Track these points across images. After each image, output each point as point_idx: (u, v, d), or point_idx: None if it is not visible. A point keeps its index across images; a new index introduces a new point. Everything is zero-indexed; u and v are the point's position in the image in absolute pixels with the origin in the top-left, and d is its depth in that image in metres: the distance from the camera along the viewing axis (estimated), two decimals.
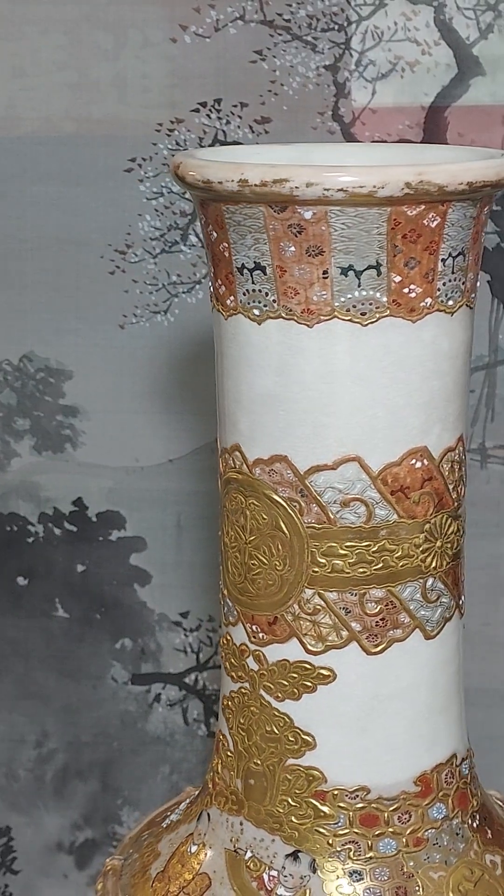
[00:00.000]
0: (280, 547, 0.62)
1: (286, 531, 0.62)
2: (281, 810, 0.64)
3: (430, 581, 0.62)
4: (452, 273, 0.59)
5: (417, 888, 0.63)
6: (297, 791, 0.64)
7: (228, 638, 0.65)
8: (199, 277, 0.97)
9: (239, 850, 0.65)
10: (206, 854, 0.67)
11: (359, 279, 0.58)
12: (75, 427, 1.01)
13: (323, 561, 0.62)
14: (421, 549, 0.62)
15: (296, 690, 0.63)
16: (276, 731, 0.64)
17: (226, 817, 0.66)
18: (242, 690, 0.65)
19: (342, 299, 0.59)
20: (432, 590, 0.62)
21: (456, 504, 0.63)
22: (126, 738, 1.06)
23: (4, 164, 0.96)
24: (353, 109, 0.94)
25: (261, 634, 0.63)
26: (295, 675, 0.63)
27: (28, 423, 1.01)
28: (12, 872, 1.09)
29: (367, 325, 0.59)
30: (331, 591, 0.62)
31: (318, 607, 0.62)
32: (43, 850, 1.08)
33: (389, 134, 0.94)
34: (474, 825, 0.65)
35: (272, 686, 0.63)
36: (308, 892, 0.64)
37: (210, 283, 0.62)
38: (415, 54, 0.93)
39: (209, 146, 0.95)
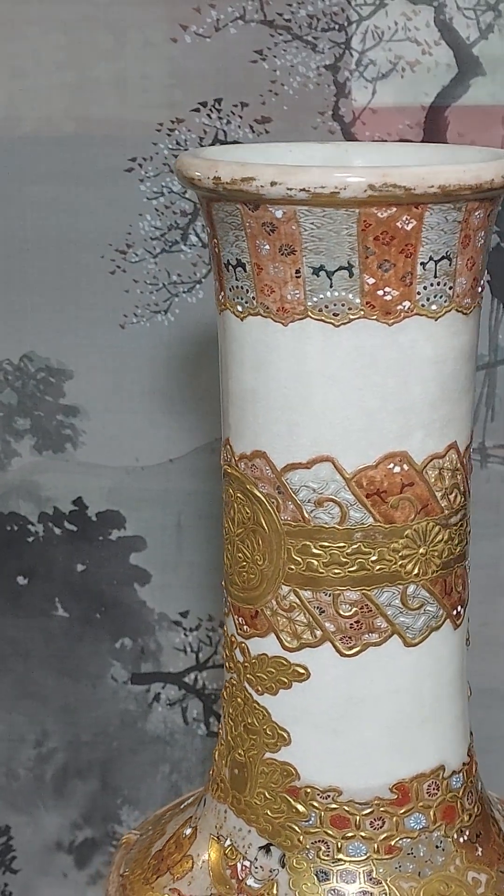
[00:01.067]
0: (260, 542, 0.62)
1: (265, 527, 0.62)
2: (258, 802, 0.65)
3: (411, 588, 0.62)
4: (435, 277, 0.58)
5: (388, 892, 0.63)
6: (273, 785, 0.64)
7: (225, 628, 0.66)
8: (200, 277, 0.97)
9: (220, 837, 0.66)
10: (195, 838, 0.68)
11: (330, 279, 0.58)
12: (76, 427, 1.01)
13: (298, 559, 0.62)
14: (400, 554, 0.61)
15: (273, 685, 0.64)
16: (256, 724, 0.64)
17: (214, 804, 0.67)
18: (232, 681, 0.65)
19: (314, 299, 0.59)
20: (414, 597, 0.62)
21: (448, 512, 0.62)
22: (126, 737, 1.06)
23: (5, 163, 0.96)
24: (354, 109, 0.94)
25: (245, 627, 0.64)
26: (272, 671, 0.63)
27: (28, 422, 1.01)
28: (12, 871, 1.09)
29: (339, 325, 0.59)
30: (305, 590, 0.62)
31: (294, 604, 0.62)
32: (42, 850, 1.08)
33: (389, 134, 0.94)
34: (461, 840, 0.64)
35: (253, 679, 0.64)
36: (276, 885, 0.64)
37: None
38: (415, 54, 0.93)
39: (210, 146, 0.95)
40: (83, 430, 1.01)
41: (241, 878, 0.65)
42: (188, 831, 0.68)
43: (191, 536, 1.02)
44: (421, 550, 0.61)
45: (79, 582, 1.03)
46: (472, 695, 0.66)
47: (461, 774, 0.64)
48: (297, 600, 0.62)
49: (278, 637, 0.63)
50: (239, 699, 0.65)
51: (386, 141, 0.93)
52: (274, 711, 0.64)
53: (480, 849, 0.65)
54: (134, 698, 1.05)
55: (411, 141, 0.93)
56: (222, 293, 0.62)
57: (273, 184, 0.56)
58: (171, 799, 1.06)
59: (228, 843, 0.66)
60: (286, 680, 0.63)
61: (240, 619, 0.64)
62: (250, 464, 0.62)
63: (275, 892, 0.64)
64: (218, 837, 0.66)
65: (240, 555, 0.63)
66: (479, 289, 0.61)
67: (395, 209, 0.57)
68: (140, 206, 0.96)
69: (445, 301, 0.59)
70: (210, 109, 0.95)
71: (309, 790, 0.63)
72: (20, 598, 1.04)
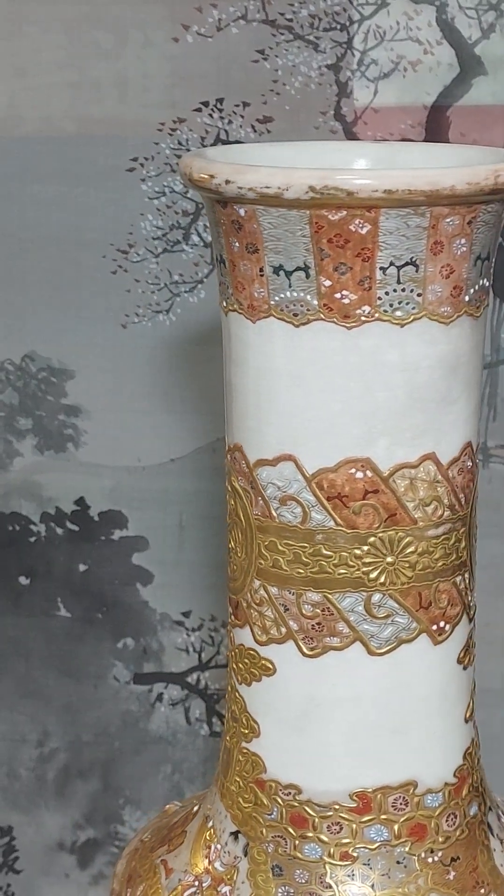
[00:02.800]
0: (239, 534, 0.63)
1: (242, 519, 0.63)
2: (234, 789, 0.65)
3: (376, 596, 0.61)
4: (399, 283, 0.58)
5: None
6: (245, 774, 0.65)
7: None
8: (201, 277, 0.97)
9: (208, 818, 0.67)
10: (195, 815, 0.69)
11: (289, 280, 0.59)
12: (77, 426, 1.01)
13: (266, 555, 0.62)
14: (363, 560, 0.61)
15: (248, 677, 0.64)
16: (237, 713, 0.65)
17: (212, 786, 0.68)
18: (230, 667, 0.66)
19: (276, 298, 0.59)
20: (380, 605, 0.61)
21: (423, 524, 0.61)
22: (128, 737, 1.06)
23: (6, 163, 0.96)
24: (356, 109, 0.94)
25: (232, 616, 0.65)
26: (247, 662, 0.64)
27: (30, 422, 1.01)
28: (14, 872, 1.09)
29: (299, 326, 0.59)
30: (272, 586, 0.62)
31: (264, 599, 0.63)
32: (44, 850, 1.08)
33: (392, 133, 0.94)
34: (429, 861, 0.63)
35: (234, 668, 0.65)
36: (236, 873, 0.65)
37: None
38: (417, 54, 0.93)
39: (211, 146, 0.95)
40: (85, 430, 1.01)
41: (211, 859, 0.67)
42: (196, 808, 0.69)
43: (193, 536, 1.02)
44: (388, 559, 0.61)
45: (80, 582, 1.03)
46: (472, 714, 0.65)
47: (440, 795, 0.63)
48: (266, 595, 0.62)
49: (251, 629, 0.64)
50: (229, 686, 0.66)
51: (387, 140, 0.93)
52: (248, 702, 0.64)
53: (454, 873, 0.64)
54: (136, 698, 1.05)
55: (412, 140, 0.93)
56: (217, 287, 0.63)
57: (227, 182, 0.57)
58: (172, 799, 1.07)
59: (211, 824, 0.67)
60: (256, 672, 0.64)
61: (230, 608, 0.65)
62: (231, 456, 0.63)
63: (234, 878, 0.65)
64: (206, 818, 0.68)
65: (229, 545, 0.64)
66: (467, 297, 0.60)
67: (345, 212, 0.56)
68: (141, 205, 0.96)
69: (413, 308, 0.58)
70: (212, 109, 0.95)
71: (273, 784, 0.64)
72: (22, 598, 1.04)
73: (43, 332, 0.99)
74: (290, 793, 0.64)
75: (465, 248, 0.58)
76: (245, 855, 0.65)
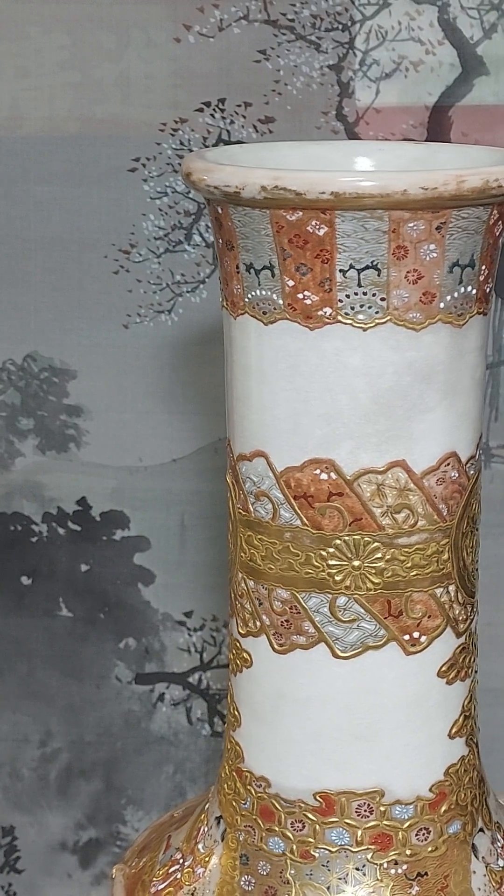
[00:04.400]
0: (230, 526, 0.64)
1: (231, 512, 0.64)
2: (223, 775, 0.67)
3: (341, 599, 0.61)
4: (360, 286, 0.57)
5: None
6: (230, 761, 0.66)
7: None
8: (203, 277, 0.97)
9: (209, 800, 0.69)
10: (207, 795, 0.70)
11: (258, 278, 0.59)
12: (79, 426, 1.01)
13: (245, 548, 0.63)
14: (328, 562, 0.61)
15: (233, 666, 0.65)
16: (229, 701, 0.66)
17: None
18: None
19: (249, 295, 0.60)
20: (345, 609, 0.61)
21: (392, 531, 0.60)
22: (130, 737, 1.06)
23: (8, 163, 0.96)
24: (357, 109, 0.94)
25: (229, 607, 0.66)
26: (234, 651, 0.65)
27: (32, 422, 1.01)
28: (16, 872, 1.09)
29: (267, 324, 0.59)
30: (250, 580, 0.63)
31: (244, 592, 0.63)
32: (47, 850, 1.08)
33: (393, 133, 0.94)
34: (392, 872, 0.63)
35: (228, 657, 0.66)
36: (210, 856, 0.66)
37: None
38: (419, 54, 0.93)
39: (213, 146, 0.95)
40: (87, 430, 1.01)
41: (197, 840, 0.68)
42: (213, 788, 0.70)
43: (195, 536, 1.02)
44: (355, 563, 0.60)
45: (82, 582, 1.03)
46: (462, 731, 0.65)
47: (411, 808, 0.63)
48: (246, 588, 0.63)
49: (236, 620, 0.64)
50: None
51: (388, 140, 0.93)
52: (234, 691, 0.65)
53: (417, 888, 0.63)
54: (138, 698, 1.05)
55: (414, 140, 0.93)
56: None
57: (201, 179, 0.58)
58: (174, 799, 1.07)
59: (207, 806, 0.68)
60: (239, 663, 0.65)
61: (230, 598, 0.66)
62: (224, 449, 0.64)
63: (209, 861, 0.66)
64: (207, 800, 0.69)
65: (228, 537, 0.65)
66: (442, 304, 0.59)
67: (301, 213, 0.56)
68: (143, 205, 0.96)
69: (377, 312, 0.58)
70: (213, 109, 0.95)
71: (248, 774, 0.65)
72: (24, 599, 1.04)
73: (45, 333, 0.99)
74: (261, 785, 0.64)
75: (435, 254, 0.57)
76: (222, 840, 0.66)
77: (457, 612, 0.63)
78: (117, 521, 1.02)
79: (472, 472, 0.62)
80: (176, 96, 0.95)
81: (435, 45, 0.93)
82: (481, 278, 0.60)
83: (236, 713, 0.65)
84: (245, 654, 0.64)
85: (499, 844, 0.67)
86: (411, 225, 0.56)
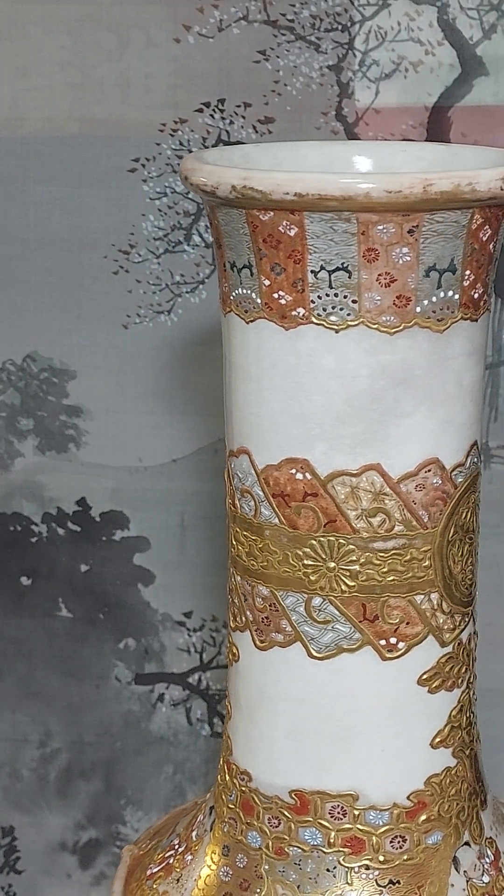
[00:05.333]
0: (227, 520, 0.64)
1: (226, 507, 0.64)
2: (219, 766, 0.67)
3: (317, 600, 0.61)
4: (331, 288, 0.57)
5: (260, 891, 0.63)
6: (224, 753, 0.66)
7: None
8: (203, 277, 0.97)
9: (209, 791, 0.69)
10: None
11: (240, 276, 0.59)
12: (79, 427, 1.01)
13: (234, 544, 0.63)
14: (304, 562, 0.61)
15: (228, 659, 0.65)
16: (227, 694, 0.67)
17: None
18: None
19: (234, 293, 0.60)
20: (320, 610, 0.61)
21: (367, 535, 0.60)
22: (129, 738, 1.06)
23: (8, 164, 0.96)
24: (357, 109, 0.94)
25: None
26: (227, 645, 0.65)
27: (31, 422, 1.01)
28: (16, 872, 1.09)
29: (248, 322, 0.60)
30: (237, 575, 0.63)
31: (234, 586, 0.64)
32: (46, 850, 1.08)
33: (393, 134, 0.94)
34: (362, 876, 0.63)
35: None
36: (199, 845, 0.67)
37: None
38: (418, 54, 0.93)
39: (213, 146, 0.95)
40: (86, 431, 1.01)
41: (192, 828, 0.68)
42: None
43: (194, 536, 1.02)
44: (329, 564, 0.60)
45: (82, 582, 1.03)
46: (448, 742, 0.64)
47: (387, 814, 0.63)
48: (235, 583, 0.64)
49: (229, 614, 0.65)
50: None
51: (388, 140, 0.93)
52: (228, 683, 0.66)
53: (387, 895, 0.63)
54: (137, 699, 1.05)
55: (414, 141, 0.93)
56: None
57: (185, 178, 0.59)
58: (174, 799, 1.07)
59: (209, 795, 0.69)
60: (230, 657, 0.65)
61: None
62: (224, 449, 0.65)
63: (198, 849, 0.67)
64: (209, 790, 0.69)
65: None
66: (418, 308, 0.58)
67: (273, 213, 0.57)
68: (143, 206, 0.96)
69: (349, 314, 0.57)
70: (213, 110, 0.95)
71: (234, 767, 0.65)
72: (24, 599, 1.04)
73: (44, 333, 0.99)
74: (244, 778, 0.65)
75: (409, 258, 0.57)
76: (211, 830, 0.67)
77: (441, 620, 0.62)
78: (117, 521, 1.02)
79: (459, 479, 0.61)
80: (175, 97, 0.95)
81: (434, 45, 0.93)
82: (465, 283, 0.59)
83: (228, 706, 0.66)
84: (234, 648, 0.65)
85: (487, 860, 0.66)
86: (381, 227, 0.56)
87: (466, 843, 0.65)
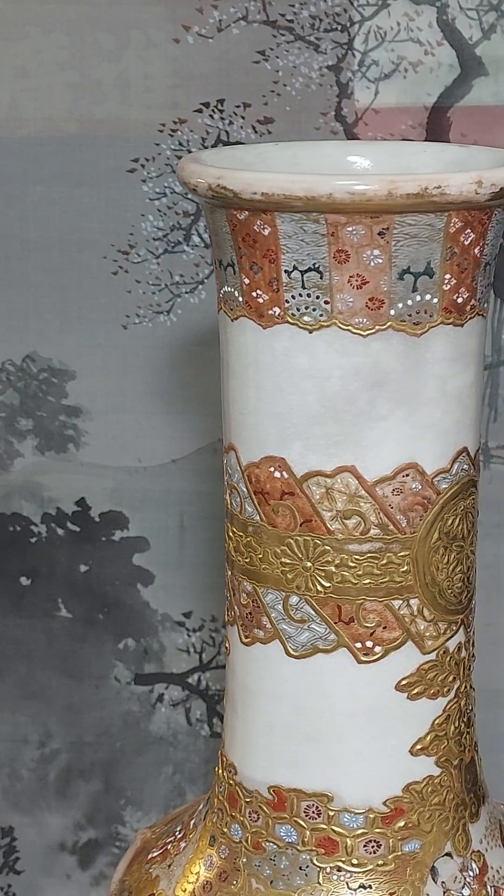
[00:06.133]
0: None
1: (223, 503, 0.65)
2: (217, 757, 0.67)
3: (293, 598, 0.61)
4: (304, 288, 0.57)
5: (236, 883, 0.64)
6: (221, 744, 0.67)
7: None
8: (202, 278, 0.97)
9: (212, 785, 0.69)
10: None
11: (226, 274, 0.60)
12: (78, 427, 1.01)
13: (227, 539, 0.63)
14: (282, 560, 0.61)
15: (224, 652, 0.66)
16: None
17: None
18: None
19: (222, 292, 0.60)
20: (297, 609, 0.61)
21: (342, 537, 0.60)
22: (129, 738, 1.06)
23: (7, 164, 0.96)
24: (356, 110, 0.94)
25: None
26: (224, 638, 0.66)
27: (31, 423, 1.01)
28: (15, 872, 1.09)
29: (233, 320, 0.60)
30: (229, 570, 0.64)
31: (226, 581, 0.64)
32: (46, 851, 1.08)
33: (392, 134, 0.94)
34: (333, 878, 0.62)
35: None
36: (194, 833, 0.67)
37: None
38: (418, 55, 0.93)
39: (212, 147, 0.95)
40: (85, 431, 1.01)
41: (192, 817, 0.69)
42: None
43: (194, 537, 1.02)
44: (306, 564, 0.60)
45: (82, 583, 1.03)
46: (430, 750, 0.63)
47: (361, 818, 0.62)
48: (227, 577, 0.64)
49: (225, 608, 0.65)
50: None
51: (387, 140, 0.93)
52: (226, 676, 0.66)
53: None
54: (137, 699, 1.05)
55: (413, 141, 0.93)
56: None
57: (178, 177, 0.59)
58: (174, 800, 1.07)
59: (213, 787, 0.69)
60: (224, 651, 0.65)
61: None
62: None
63: (191, 837, 0.67)
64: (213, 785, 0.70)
65: None
66: (392, 311, 0.57)
67: (248, 213, 0.57)
68: (142, 206, 0.96)
69: (321, 315, 0.57)
70: (212, 110, 0.95)
71: (224, 759, 0.66)
72: (23, 599, 1.04)
73: (44, 333, 0.99)
74: (231, 770, 0.65)
75: (380, 260, 0.56)
76: (204, 819, 0.67)
77: (421, 627, 0.61)
78: (116, 521, 1.02)
79: (444, 486, 0.60)
80: (175, 97, 0.95)
81: (434, 45, 0.93)
82: (446, 288, 0.58)
83: (224, 700, 0.67)
84: (226, 643, 0.65)
85: (470, 874, 0.64)
86: (350, 229, 0.56)
87: (448, 854, 0.64)
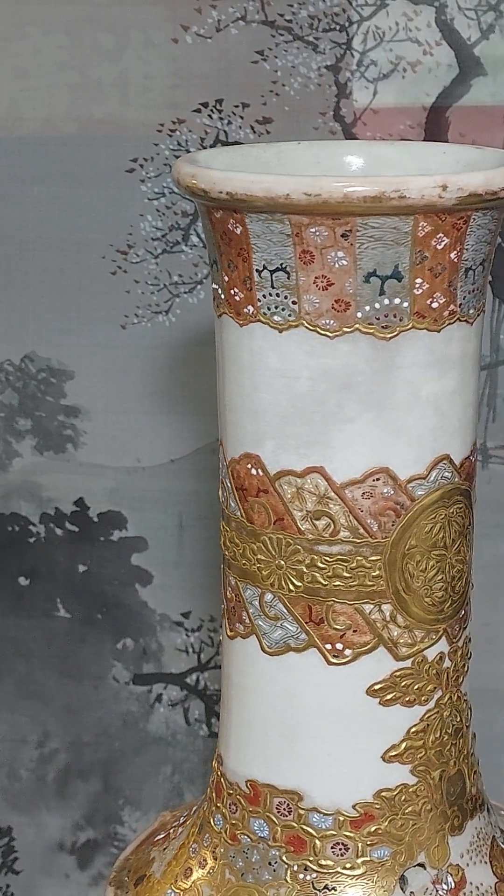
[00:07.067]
0: None
1: None
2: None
3: (268, 595, 0.61)
4: (273, 287, 0.57)
5: (212, 872, 0.64)
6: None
7: None
8: (201, 278, 0.97)
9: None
10: None
11: (212, 272, 0.60)
12: (77, 427, 1.01)
13: (219, 533, 0.64)
14: (258, 557, 0.61)
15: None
16: None
17: None
18: None
19: (211, 289, 0.61)
20: (271, 606, 0.61)
21: (312, 537, 0.60)
22: (127, 738, 1.06)
23: (6, 164, 0.96)
24: (355, 110, 0.94)
25: None
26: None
27: (30, 423, 1.01)
28: (14, 872, 1.09)
29: (218, 317, 0.61)
30: (223, 564, 0.64)
31: (220, 573, 0.65)
32: (44, 851, 1.08)
33: (391, 134, 0.94)
34: (300, 876, 0.62)
35: None
36: (190, 819, 0.68)
37: None
38: (416, 55, 0.93)
39: (211, 147, 0.95)
40: (84, 431, 1.01)
41: (195, 804, 0.70)
42: None
43: (192, 537, 1.02)
44: (279, 562, 0.60)
45: (80, 582, 1.03)
46: (403, 757, 0.63)
47: (329, 819, 0.62)
48: (221, 571, 0.64)
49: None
50: None
51: (385, 140, 0.93)
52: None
53: None
54: (136, 699, 1.05)
55: (411, 141, 0.93)
56: None
57: (174, 176, 0.60)
58: (172, 800, 1.07)
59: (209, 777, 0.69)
60: (222, 642, 0.66)
61: None
62: None
63: (186, 823, 0.68)
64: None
65: None
66: (359, 314, 0.57)
67: (222, 212, 0.57)
68: (141, 206, 0.96)
69: (290, 315, 0.57)
70: (211, 110, 0.95)
71: (216, 750, 0.66)
72: (22, 599, 1.04)
73: (42, 333, 0.99)
74: (219, 761, 0.66)
75: (345, 262, 0.56)
76: (199, 807, 0.68)
77: (394, 633, 0.61)
78: (115, 521, 1.02)
79: (419, 492, 0.60)
80: (174, 97, 0.95)
81: (432, 45, 0.93)
82: (417, 292, 0.57)
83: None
84: (221, 636, 0.66)
85: (444, 887, 0.64)
86: (313, 230, 0.56)
87: (420, 865, 0.63)
